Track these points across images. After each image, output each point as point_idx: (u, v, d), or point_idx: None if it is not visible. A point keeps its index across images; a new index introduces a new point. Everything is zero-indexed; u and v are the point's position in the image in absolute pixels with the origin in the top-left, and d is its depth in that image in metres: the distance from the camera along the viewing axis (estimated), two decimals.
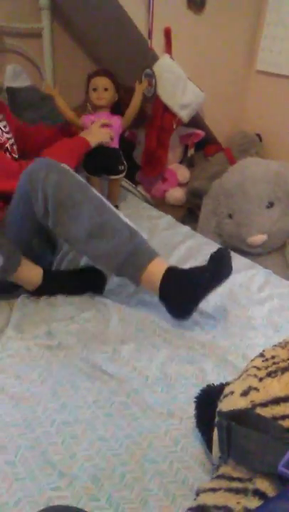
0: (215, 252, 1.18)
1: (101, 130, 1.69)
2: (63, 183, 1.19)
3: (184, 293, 1.15)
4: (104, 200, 1.26)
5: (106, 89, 1.73)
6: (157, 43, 1.91)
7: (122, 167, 1.82)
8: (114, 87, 1.75)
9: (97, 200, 1.22)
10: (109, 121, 1.72)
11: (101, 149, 1.71)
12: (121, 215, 1.26)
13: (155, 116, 2.07)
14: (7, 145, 1.51)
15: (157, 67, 1.96)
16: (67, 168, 1.26)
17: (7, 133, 1.54)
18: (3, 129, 1.52)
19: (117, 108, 1.80)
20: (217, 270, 1.15)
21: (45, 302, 1.30)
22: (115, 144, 1.78)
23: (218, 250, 1.19)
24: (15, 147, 1.56)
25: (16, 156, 1.55)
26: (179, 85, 2.00)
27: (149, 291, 1.23)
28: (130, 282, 1.24)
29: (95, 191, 1.26)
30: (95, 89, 1.73)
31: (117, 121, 1.77)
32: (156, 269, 1.18)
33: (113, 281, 1.38)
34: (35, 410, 0.96)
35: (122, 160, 1.83)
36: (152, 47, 1.91)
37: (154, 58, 1.94)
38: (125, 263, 1.18)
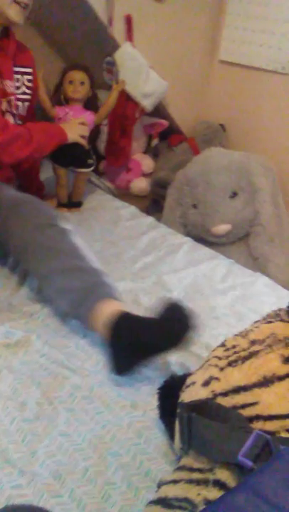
0: (167, 307, 0.99)
1: (81, 129, 1.66)
2: (45, 229, 1.20)
3: (128, 348, 0.97)
4: (81, 246, 1.22)
5: (82, 83, 1.71)
6: (118, 31, 1.88)
7: (91, 161, 1.79)
8: (90, 82, 1.73)
9: (72, 246, 1.20)
10: (86, 121, 1.69)
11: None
12: (94, 259, 1.21)
13: (117, 105, 2.04)
14: (11, 99, 1.48)
15: (119, 55, 1.93)
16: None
17: (26, 88, 1.55)
18: (17, 84, 1.50)
19: (89, 104, 1.78)
20: (170, 328, 0.96)
21: (3, 301, 1.25)
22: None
23: (170, 304, 1.00)
24: (21, 106, 1.54)
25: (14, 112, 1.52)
26: (141, 74, 1.97)
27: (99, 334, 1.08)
28: (83, 325, 1.13)
29: (74, 238, 1.23)
30: (71, 82, 1.70)
31: (89, 117, 1.74)
32: (105, 311, 1.04)
33: None
34: None
35: (91, 154, 1.80)
36: (113, 34, 1.87)
37: (115, 46, 1.91)
38: (79, 300, 1.09)
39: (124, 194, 2.23)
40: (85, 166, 1.79)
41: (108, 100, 1.78)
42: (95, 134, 2.24)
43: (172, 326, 0.96)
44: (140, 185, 2.28)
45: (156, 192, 2.25)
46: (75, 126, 1.64)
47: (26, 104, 1.58)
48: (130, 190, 2.30)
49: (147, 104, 2.04)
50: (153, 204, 2.25)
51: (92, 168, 1.82)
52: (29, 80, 1.56)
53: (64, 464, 0.84)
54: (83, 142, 1.67)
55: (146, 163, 2.29)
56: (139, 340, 0.96)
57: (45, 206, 1.32)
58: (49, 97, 1.73)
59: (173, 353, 1.02)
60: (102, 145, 2.26)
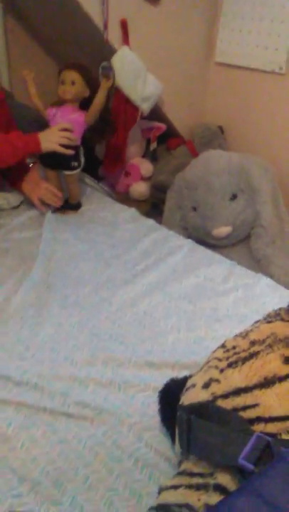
0: None
1: (58, 136, 1.61)
2: None
3: None
4: None
5: (73, 83, 1.65)
6: (113, 35, 1.88)
7: (76, 163, 1.75)
8: (83, 81, 1.66)
9: None
10: (69, 126, 1.65)
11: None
12: None
13: (118, 110, 2.03)
14: None
15: (117, 59, 1.93)
16: None
17: None
18: None
19: (86, 104, 1.70)
20: None
21: None
22: (77, 141, 1.71)
23: None
24: None
25: None
26: (140, 77, 1.97)
27: None
28: None
29: None
30: (62, 82, 1.66)
31: (79, 117, 1.69)
32: None
33: (67, 286, 1.35)
34: None
35: (79, 157, 1.76)
36: (108, 39, 1.87)
37: (111, 51, 1.91)
38: None
39: (124, 199, 2.23)
40: (69, 168, 1.76)
41: (96, 98, 1.69)
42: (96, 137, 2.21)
43: None
44: (139, 189, 2.28)
45: (156, 196, 2.25)
46: (54, 134, 1.61)
47: None
48: (130, 195, 2.30)
49: (146, 107, 2.04)
50: (153, 208, 2.25)
51: (77, 171, 1.78)
52: None
53: (65, 470, 0.82)
54: (61, 150, 1.62)
55: (145, 167, 2.29)
56: None
57: None
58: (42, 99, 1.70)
59: None
60: (100, 150, 2.26)
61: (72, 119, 1.67)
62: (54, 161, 1.73)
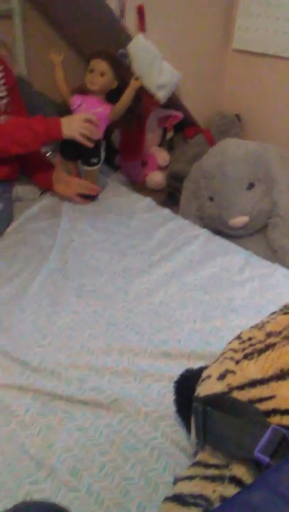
0: None
1: (81, 126, 1.56)
2: None
3: None
4: None
5: (102, 74, 1.59)
6: (130, 22, 1.86)
7: (96, 160, 1.71)
8: (113, 73, 1.61)
9: None
10: (94, 118, 1.59)
11: None
12: None
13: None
14: None
15: (132, 47, 1.90)
16: None
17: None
18: None
19: (112, 96, 1.66)
20: None
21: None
22: (99, 135, 1.67)
23: None
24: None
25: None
26: (154, 65, 1.95)
27: None
28: None
29: None
30: (91, 71, 1.60)
31: (105, 111, 1.65)
32: None
33: (83, 275, 1.35)
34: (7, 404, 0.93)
35: (99, 152, 1.71)
36: (125, 26, 1.85)
37: (128, 37, 1.89)
38: None
39: (140, 188, 2.22)
40: (88, 164, 1.73)
41: (124, 97, 1.65)
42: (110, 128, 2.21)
43: None
44: (156, 178, 2.26)
45: (172, 185, 2.23)
46: (76, 122, 1.56)
47: (4, 101, 1.57)
48: (146, 184, 2.29)
49: (161, 96, 2.02)
50: (169, 197, 2.24)
51: (96, 167, 1.75)
52: (2, 78, 1.56)
53: (81, 458, 0.83)
54: (82, 140, 1.57)
55: (162, 156, 2.27)
56: None
57: None
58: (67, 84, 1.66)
59: None
60: (117, 138, 2.25)
61: (97, 112, 1.63)
62: (74, 153, 1.71)
